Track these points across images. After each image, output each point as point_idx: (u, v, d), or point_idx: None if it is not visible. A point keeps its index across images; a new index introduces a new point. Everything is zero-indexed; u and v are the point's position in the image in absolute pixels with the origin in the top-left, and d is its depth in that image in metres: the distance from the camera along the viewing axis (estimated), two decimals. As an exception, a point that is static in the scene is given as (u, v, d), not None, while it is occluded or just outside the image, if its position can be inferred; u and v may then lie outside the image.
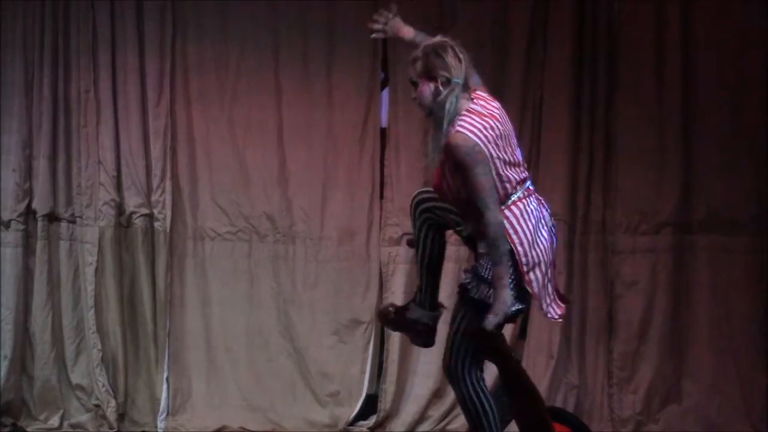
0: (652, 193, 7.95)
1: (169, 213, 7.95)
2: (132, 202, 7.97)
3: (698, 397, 7.91)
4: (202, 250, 8.04)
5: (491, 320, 4.97)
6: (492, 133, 4.99)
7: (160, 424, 7.90)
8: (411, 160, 7.90)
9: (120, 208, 7.97)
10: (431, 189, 5.24)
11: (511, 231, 5.02)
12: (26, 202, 7.96)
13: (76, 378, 7.93)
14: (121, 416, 7.91)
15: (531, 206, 5.10)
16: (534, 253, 5.05)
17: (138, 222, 7.96)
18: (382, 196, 8.05)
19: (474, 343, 5.14)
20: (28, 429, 7.88)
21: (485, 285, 5.04)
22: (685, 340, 7.96)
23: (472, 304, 5.10)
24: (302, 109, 8.04)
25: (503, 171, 5.03)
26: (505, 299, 4.97)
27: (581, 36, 7.94)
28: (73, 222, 7.97)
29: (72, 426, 7.90)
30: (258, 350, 8.02)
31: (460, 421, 7.89)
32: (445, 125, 5.00)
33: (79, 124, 7.97)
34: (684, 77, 7.95)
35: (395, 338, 7.91)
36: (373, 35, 5.78)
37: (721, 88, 7.94)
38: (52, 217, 7.97)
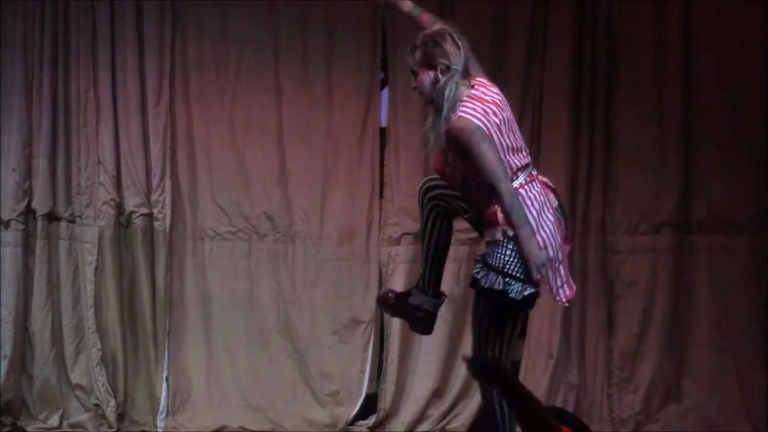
0: (652, 193, 7.94)
1: (168, 213, 7.95)
2: (132, 201, 7.97)
3: (698, 397, 7.91)
4: (202, 250, 8.03)
5: (536, 272, 4.98)
6: (494, 118, 5.00)
7: (160, 424, 7.90)
8: (411, 159, 7.89)
9: (120, 208, 7.97)
10: (437, 177, 5.24)
11: None
12: (26, 201, 7.96)
13: (75, 377, 7.92)
14: (121, 416, 7.91)
15: (534, 191, 5.10)
16: (539, 237, 5.05)
17: (138, 222, 7.96)
18: (381, 196, 8.05)
19: (497, 333, 5.13)
20: (27, 428, 7.88)
21: (494, 272, 5.04)
22: (685, 340, 7.96)
23: (484, 293, 5.10)
24: (302, 109, 8.04)
25: (505, 157, 5.03)
26: (537, 253, 4.96)
27: (581, 36, 7.94)
28: (73, 221, 7.97)
29: (72, 425, 7.90)
30: (258, 350, 8.01)
31: (459, 420, 7.90)
32: (445, 112, 5.00)
33: (79, 124, 7.97)
34: (684, 77, 7.94)
35: (395, 338, 7.91)
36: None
37: (721, 88, 7.93)
38: (52, 217, 7.97)
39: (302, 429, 7.93)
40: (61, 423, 7.90)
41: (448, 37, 5.07)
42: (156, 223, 7.96)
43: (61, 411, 7.92)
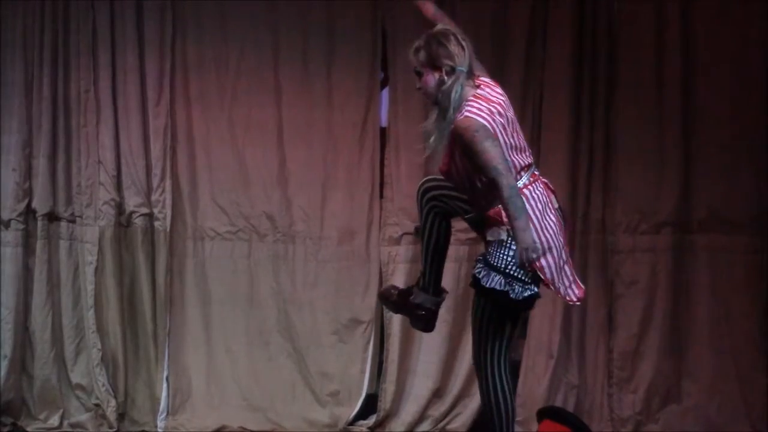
0: (652, 193, 7.94)
1: (169, 212, 7.95)
2: (132, 201, 7.97)
3: (698, 397, 7.91)
4: (202, 250, 8.03)
5: (522, 258, 4.94)
6: (500, 118, 5.02)
7: (160, 424, 7.90)
8: (411, 159, 7.89)
9: (120, 208, 7.97)
10: (438, 177, 5.25)
11: None
12: (26, 201, 7.96)
13: (75, 377, 7.92)
14: (121, 416, 7.91)
15: (537, 192, 5.12)
16: (543, 239, 5.05)
17: (138, 221, 7.96)
18: (381, 196, 8.05)
19: (496, 331, 5.14)
20: (27, 428, 7.88)
21: (496, 272, 5.05)
22: (685, 340, 7.95)
23: (485, 293, 5.11)
24: (302, 109, 8.04)
25: (509, 156, 5.04)
26: (531, 243, 4.90)
27: (581, 36, 7.94)
28: (73, 221, 7.97)
29: (72, 425, 7.90)
30: (258, 350, 8.01)
31: (459, 420, 7.90)
32: (451, 113, 5.01)
33: (79, 124, 7.97)
34: (684, 77, 7.94)
35: (395, 338, 7.91)
36: None
37: (721, 88, 7.93)
38: (52, 217, 7.97)
39: (302, 429, 7.92)
40: (61, 423, 7.89)
41: (452, 38, 5.08)
42: (156, 223, 7.96)
43: (61, 411, 7.91)
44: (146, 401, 7.95)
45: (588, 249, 7.93)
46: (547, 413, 7.20)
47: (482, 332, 5.17)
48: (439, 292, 5.44)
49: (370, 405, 8.01)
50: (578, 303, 5.31)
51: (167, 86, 7.99)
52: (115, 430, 7.84)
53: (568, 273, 5.19)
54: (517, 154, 5.09)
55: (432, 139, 5.08)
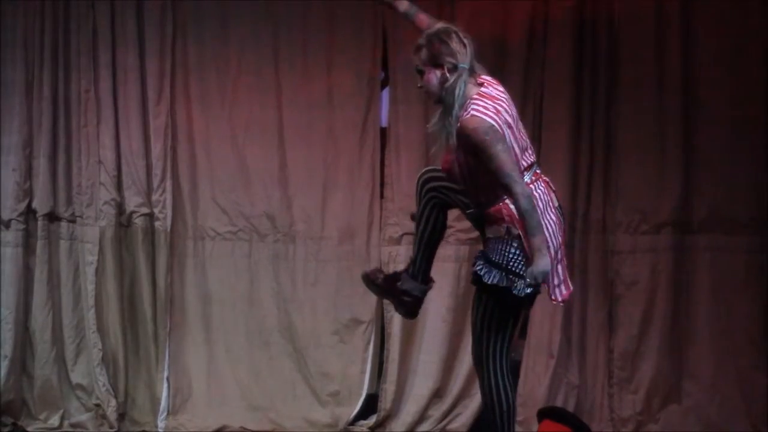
0: (652, 193, 7.94)
1: (169, 212, 7.95)
2: (132, 201, 7.97)
3: (698, 397, 7.90)
4: (203, 250, 8.04)
5: (525, 283, 4.98)
6: (506, 116, 5.03)
7: (161, 424, 7.90)
8: (411, 159, 7.89)
9: (120, 208, 7.97)
10: (438, 168, 5.25)
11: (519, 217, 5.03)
12: (26, 201, 7.96)
13: (76, 377, 7.93)
14: (122, 416, 7.92)
15: (538, 190, 5.14)
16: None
17: (138, 221, 7.96)
18: (382, 196, 8.05)
19: (498, 329, 5.14)
20: (28, 428, 7.88)
21: (497, 269, 5.05)
22: (685, 340, 7.95)
23: (487, 290, 5.11)
24: (302, 109, 8.04)
25: (516, 156, 5.05)
26: (543, 266, 4.97)
27: (581, 35, 7.93)
28: (74, 221, 7.97)
29: (72, 425, 7.90)
30: (258, 350, 8.01)
31: (460, 421, 7.90)
32: (456, 110, 5.01)
33: (80, 124, 7.98)
34: (684, 77, 7.93)
35: (395, 338, 7.91)
36: None
37: (721, 88, 7.93)
38: (53, 217, 7.97)
39: (302, 429, 7.92)
40: (61, 423, 7.90)
41: (454, 35, 5.09)
42: (157, 223, 7.96)
43: (61, 411, 7.92)
44: (147, 401, 7.95)
45: (588, 249, 7.93)
46: (547, 413, 7.20)
47: (483, 330, 5.17)
48: (426, 281, 5.46)
49: (370, 405, 8.01)
50: (561, 303, 5.32)
51: (167, 86, 7.99)
52: (115, 430, 7.84)
53: (560, 272, 5.20)
54: (521, 154, 5.10)
55: (441, 138, 5.09)
